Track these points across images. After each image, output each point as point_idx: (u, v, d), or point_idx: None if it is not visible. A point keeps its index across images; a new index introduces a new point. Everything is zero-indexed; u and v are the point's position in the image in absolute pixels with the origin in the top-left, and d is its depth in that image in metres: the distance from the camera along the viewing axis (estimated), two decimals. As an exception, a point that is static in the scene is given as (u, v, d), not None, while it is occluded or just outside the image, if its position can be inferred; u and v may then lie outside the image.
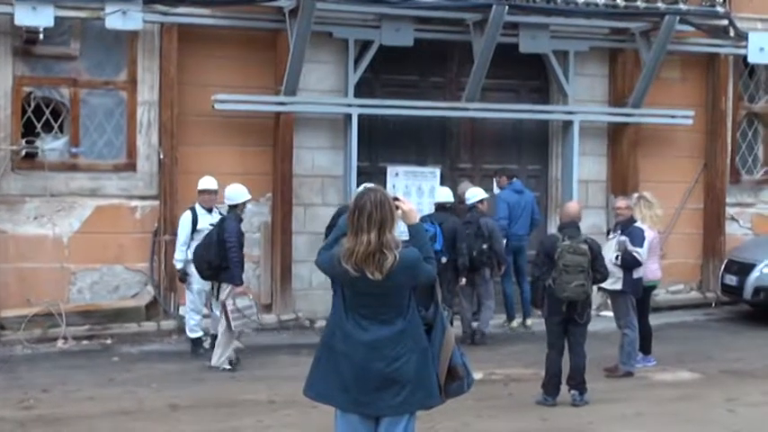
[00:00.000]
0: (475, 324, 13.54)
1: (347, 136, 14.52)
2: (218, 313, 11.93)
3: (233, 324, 11.62)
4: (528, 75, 15.87)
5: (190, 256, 12.22)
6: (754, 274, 14.99)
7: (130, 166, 13.97)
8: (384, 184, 14.44)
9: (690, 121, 16.12)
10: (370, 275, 5.46)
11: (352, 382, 5.55)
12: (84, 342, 13.10)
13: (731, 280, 15.40)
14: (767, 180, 17.32)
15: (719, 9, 15.77)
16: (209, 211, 12.48)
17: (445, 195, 13.43)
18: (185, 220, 12.43)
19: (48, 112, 13.71)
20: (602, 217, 16.01)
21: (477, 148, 15.76)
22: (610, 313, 14.63)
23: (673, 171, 16.36)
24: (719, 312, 16.11)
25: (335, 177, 14.36)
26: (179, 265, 12.46)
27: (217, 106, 13.83)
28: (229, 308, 11.57)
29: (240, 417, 9.60)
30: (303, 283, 14.14)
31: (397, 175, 14.90)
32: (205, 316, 12.72)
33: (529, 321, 14.46)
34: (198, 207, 12.50)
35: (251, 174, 13.64)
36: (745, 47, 16.24)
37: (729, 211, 16.82)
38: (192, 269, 12.17)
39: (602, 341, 12.45)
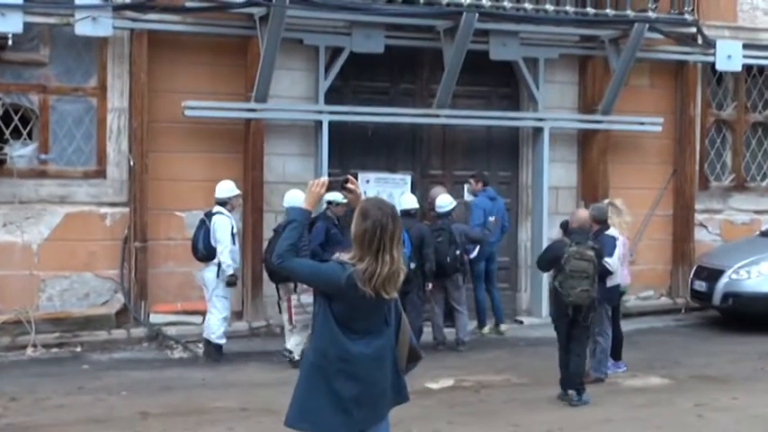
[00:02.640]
0: (446, 330, 13.54)
1: (318, 143, 14.52)
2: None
3: (294, 318, 12.01)
4: (498, 82, 15.93)
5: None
6: (723, 280, 15.07)
7: (100, 173, 13.91)
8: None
9: (659, 128, 16.23)
10: (385, 295, 5.24)
11: (353, 400, 5.28)
12: (54, 350, 13.01)
13: (700, 286, 15.49)
14: (735, 187, 17.44)
15: (688, 17, 15.87)
16: None
17: (410, 202, 13.39)
18: (227, 224, 12.47)
19: (16, 118, 13.62)
20: (573, 223, 16.06)
21: (448, 154, 15.80)
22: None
23: (642, 177, 16.46)
24: (689, 318, 16.20)
25: (306, 184, 14.29)
26: (231, 270, 12.45)
27: (187, 113, 13.80)
28: (293, 302, 11.99)
29: (211, 424, 9.56)
30: (274, 291, 14.08)
31: (368, 182, 14.91)
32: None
33: (503, 327, 14.52)
34: (226, 211, 12.58)
35: (221, 180, 13.61)
36: (714, 54, 16.40)
37: (698, 217, 16.94)
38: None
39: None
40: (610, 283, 11.32)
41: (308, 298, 11.93)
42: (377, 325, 5.38)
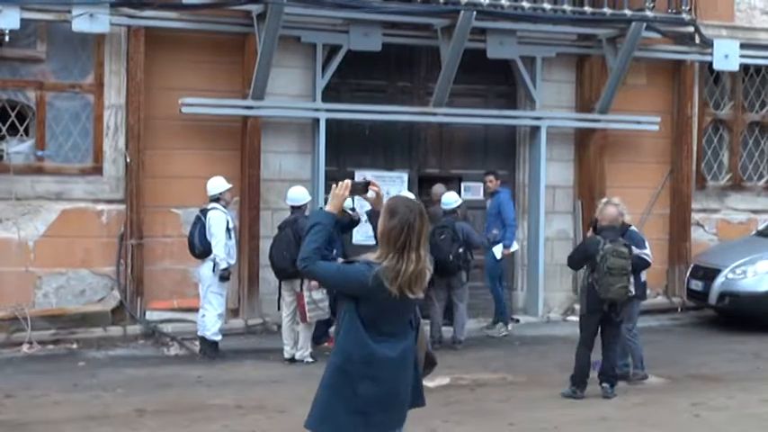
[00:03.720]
0: (443, 329, 13.53)
1: (315, 140, 14.51)
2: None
3: (308, 315, 12.03)
4: (495, 80, 15.92)
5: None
6: (720, 279, 15.07)
7: (97, 170, 13.90)
8: (352, 188, 14.42)
9: (656, 127, 16.22)
10: (410, 295, 5.13)
11: (377, 404, 5.18)
12: (50, 347, 13.00)
13: (697, 285, 15.49)
14: (732, 186, 17.44)
15: (685, 16, 15.87)
16: None
17: None
18: (222, 219, 12.47)
19: (13, 115, 13.62)
20: (569, 222, 16.07)
21: (445, 153, 15.79)
22: (577, 318, 14.68)
23: (639, 177, 16.44)
24: (685, 317, 16.20)
25: (303, 182, 14.29)
26: (224, 264, 12.44)
27: (184, 110, 13.79)
28: (306, 300, 11.97)
29: (207, 422, 9.56)
30: (270, 288, 14.05)
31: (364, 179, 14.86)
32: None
33: (510, 327, 14.50)
34: (220, 207, 12.58)
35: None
36: (711, 54, 16.37)
37: (695, 216, 16.92)
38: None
39: (571, 346, 12.43)
40: (643, 277, 11.37)
41: (318, 294, 11.95)
42: (402, 327, 5.29)
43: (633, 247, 10.99)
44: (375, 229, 5.40)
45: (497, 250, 14.19)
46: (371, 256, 5.22)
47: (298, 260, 5.28)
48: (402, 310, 5.24)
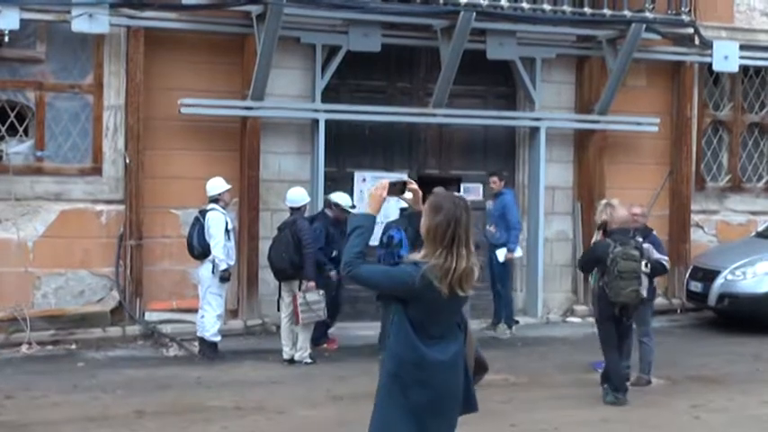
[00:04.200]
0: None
1: (314, 141, 14.49)
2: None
3: (300, 317, 11.99)
4: (495, 81, 15.90)
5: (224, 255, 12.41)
6: (719, 280, 15.06)
7: (96, 171, 13.88)
8: (351, 189, 14.46)
9: (655, 129, 16.21)
10: (460, 292, 5.03)
11: (429, 409, 5.09)
12: (49, 347, 12.98)
13: (696, 287, 15.49)
14: (732, 187, 17.42)
15: (685, 18, 15.85)
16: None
17: None
18: (221, 220, 12.44)
19: (13, 115, 13.60)
20: (569, 223, 16.06)
21: (445, 154, 15.77)
22: (576, 319, 14.70)
23: (639, 178, 16.42)
24: (684, 319, 16.18)
25: (302, 183, 14.27)
26: (224, 265, 12.41)
27: (183, 110, 13.78)
28: (299, 301, 11.96)
29: (206, 423, 9.55)
30: (269, 289, 14.03)
31: (364, 180, 14.89)
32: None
33: (513, 329, 14.47)
34: (219, 207, 12.56)
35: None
36: (710, 55, 16.36)
37: (694, 217, 16.90)
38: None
39: (570, 347, 12.47)
40: (654, 281, 11.37)
41: (314, 296, 11.95)
42: (450, 328, 5.20)
43: (654, 252, 11.00)
44: (414, 230, 5.32)
45: (501, 254, 14.17)
46: (417, 256, 5.11)
47: (341, 265, 5.17)
48: (450, 309, 5.15)
